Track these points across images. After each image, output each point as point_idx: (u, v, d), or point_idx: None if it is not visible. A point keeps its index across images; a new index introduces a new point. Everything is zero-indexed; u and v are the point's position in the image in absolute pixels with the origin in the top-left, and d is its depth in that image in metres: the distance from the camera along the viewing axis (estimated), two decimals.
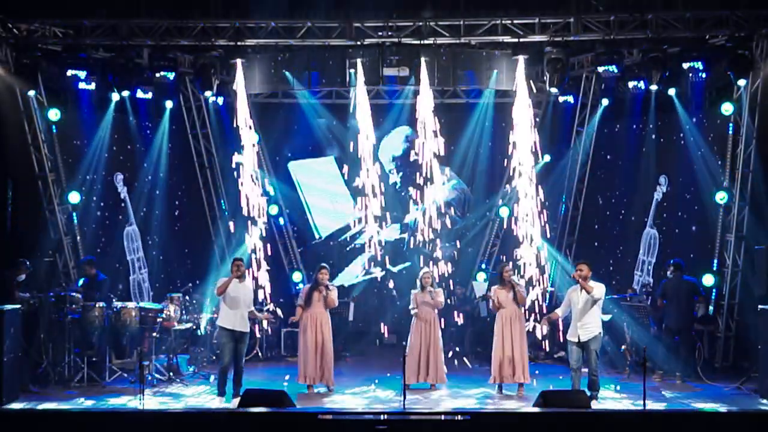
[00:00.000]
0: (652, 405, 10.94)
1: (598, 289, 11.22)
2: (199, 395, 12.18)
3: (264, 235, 14.75)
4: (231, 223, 14.82)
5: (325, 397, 12.02)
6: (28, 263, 12.78)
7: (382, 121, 17.11)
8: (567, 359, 13.08)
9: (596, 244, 16.02)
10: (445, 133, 16.92)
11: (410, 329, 12.66)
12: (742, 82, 13.50)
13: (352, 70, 14.16)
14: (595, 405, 10.72)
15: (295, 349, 15.25)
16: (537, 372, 12.95)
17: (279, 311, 13.59)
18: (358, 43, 13.78)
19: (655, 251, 15.08)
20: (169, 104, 15.73)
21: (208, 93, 14.99)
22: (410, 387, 12.37)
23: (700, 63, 13.53)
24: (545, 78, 14.38)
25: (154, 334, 12.99)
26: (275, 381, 12.80)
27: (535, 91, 16.07)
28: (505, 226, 16.00)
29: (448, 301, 14.65)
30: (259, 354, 15.00)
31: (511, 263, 12.52)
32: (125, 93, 14.65)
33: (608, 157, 16.05)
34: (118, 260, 15.31)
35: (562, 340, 13.34)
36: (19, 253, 13.04)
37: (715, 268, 14.19)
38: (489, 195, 17.16)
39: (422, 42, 13.73)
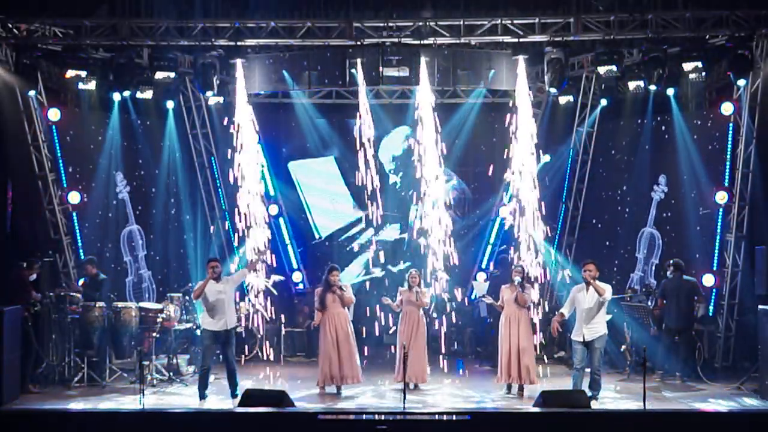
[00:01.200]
0: (652, 405, 10.94)
1: (609, 290, 11.22)
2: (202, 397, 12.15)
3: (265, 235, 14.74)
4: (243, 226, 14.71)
5: (325, 397, 12.01)
6: (39, 262, 12.79)
7: (382, 121, 17.12)
8: (568, 359, 13.11)
9: (596, 244, 16.01)
10: (444, 132, 16.96)
11: (397, 328, 12.67)
12: (742, 82, 13.50)
13: (353, 70, 14.17)
14: (595, 405, 10.72)
15: (296, 350, 15.35)
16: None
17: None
18: (358, 43, 13.77)
19: (657, 252, 15.06)
20: (169, 104, 15.73)
21: (208, 93, 15.00)
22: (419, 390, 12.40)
23: (700, 63, 13.53)
24: (545, 78, 14.39)
25: (154, 334, 12.99)
26: (275, 381, 12.82)
27: (535, 90, 16.12)
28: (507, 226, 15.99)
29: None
30: (259, 354, 15.00)
31: (522, 266, 12.43)
32: (125, 93, 14.65)
33: (608, 157, 16.04)
34: (117, 260, 15.31)
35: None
36: (18, 254, 13.04)
37: (715, 268, 14.19)
38: (489, 195, 17.15)
39: (422, 42, 13.73)
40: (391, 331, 14.50)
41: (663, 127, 15.15)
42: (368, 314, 15.11)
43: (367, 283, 15.34)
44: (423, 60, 13.83)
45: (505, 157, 14.57)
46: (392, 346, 15.36)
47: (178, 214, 16.31)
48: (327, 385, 12.14)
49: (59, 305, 12.55)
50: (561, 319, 11.58)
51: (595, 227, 16.21)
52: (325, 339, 12.11)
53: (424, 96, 15.20)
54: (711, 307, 14.07)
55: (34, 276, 12.63)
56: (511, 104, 14.25)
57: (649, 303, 13.77)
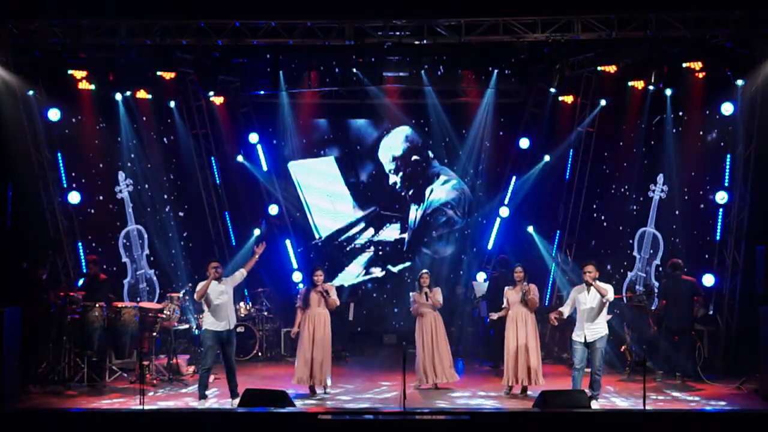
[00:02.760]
0: (652, 405, 10.94)
1: (611, 291, 11.20)
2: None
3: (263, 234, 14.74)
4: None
5: (325, 397, 12.02)
6: (49, 261, 12.80)
7: (383, 121, 17.14)
8: (568, 359, 13.11)
9: (596, 244, 16.02)
10: (445, 132, 16.98)
11: (414, 331, 12.64)
12: (741, 82, 13.50)
13: (354, 70, 14.17)
14: (595, 405, 10.72)
15: (295, 350, 15.31)
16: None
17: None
18: (358, 43, 13.76)
19: (659, 252, 15.05)
20: (169, 104, 15.72)
21: (210, 93, 15.00)
22: (420, 389, 12.40)
23: (700, 63, 13.52)
24: (545, 78, 14.39)
25: (154, 334, 12.99)
26: (275, 381, 12.81)
27: (534, 91, 16.14)
28: None
29: None
30: (259, 354, 15.01)
31: (522, 266, 12.40)
32: (126, 93, 14.65)
33: (608, 156, 16.05)
34: (116, 261, 15.30)
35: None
36: (18, 254, 13.03)
37: (715, 268, 14.19)
38: (489, 195, 17.16)
39: (422, 42, 13.72)
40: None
41: (663, 127, 15.14)
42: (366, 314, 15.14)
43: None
44: (423, 60, 13.82)
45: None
46: (392, 346, 15.42)
47: (177, 214, 16.32)
48: (300, 383, 12.08)
49: (59, 305, 12.56)
50: (559, 315, 11.55)
51: (595, 227, 16.21)
52: (302, 338, 12.06)
53: (425, 96, 15.22)
54: (711, 307, 14.07)
55: (45, 275, 12.65)
56: (512, 105, 14.23)
57: (651, 305, 13.77)
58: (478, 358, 15.00)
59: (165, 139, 15.97)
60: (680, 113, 14.77)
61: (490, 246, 16.96)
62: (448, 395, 12.21)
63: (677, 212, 14.96)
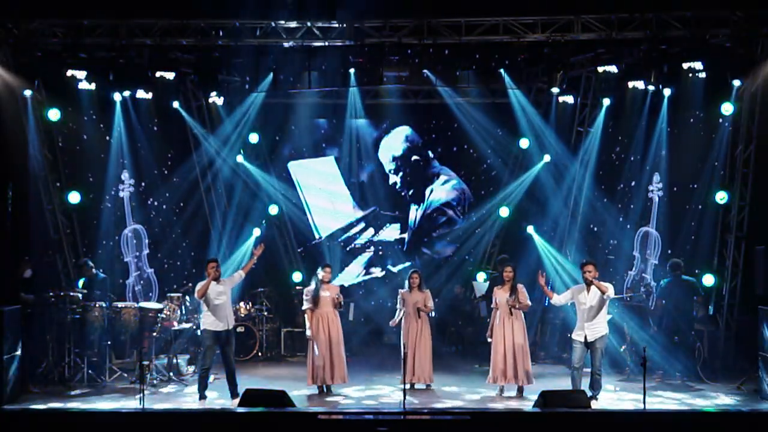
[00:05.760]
0: (652, 405, 10.94)
1: (611, 288, 11.21)
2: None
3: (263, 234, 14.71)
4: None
5: (325, 397, 12.02)
6: (27, 258, 12.76)
7: (383, 121, 17.13)
8: (568, 359, 13.10)
9: (596, 244, 16.01)
10: (445, 132, 16.97)
11: (401, 329, 12.62)
12: (741, 82, 13.49)
13: (352, 70, 14.15)
14: (595, 405, 10.72)
15: (295, 349, 15.33)
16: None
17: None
18: (358, 43, 13.76)
19: (657, 252, 15.05)
20: (169, 104, 15.70)
21: (210, 93, 14.97)
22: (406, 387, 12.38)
23: (700, 63, 13.53)
24: (545, 78, 14.37)
25: (154, 334, 13.00)
26: (275, 381, 12.81)
27: (534, 91, 16.13)
28: None
29: None
30: (259, 354, 15.01)
31: (513, 267, 12.36)
32: (125, 93, 14.65)
33: (608, 156, 16.04)
34: (117, 261, 15.30)
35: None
36: (18, 253, 13.03)
37: (715, 268, 14.19)
38: (489, 194, 17.16)
39: (422, 42, 13.72)
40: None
41: (663, 127, 15.14)
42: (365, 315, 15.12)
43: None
44: (423, 60, 13.82)
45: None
46: (392, 346, 15.39)
47: (177, 214, 16.31)
48: (317, 383, 12.13)
49: (59, 305, 12.55)
50: (549, 294, 11.59)
51: (596, 227, 16.20)
52: (318, 338, 12.09)
53: (425, 96, 15.14)
54: (711, 307, 14.06)
55: (29, 272, 12.61)
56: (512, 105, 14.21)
57: (651, 305, 13.77)
58: (477, 358, 14.97)
59: (165, 139, 15.95)
60: (680, 113, 14.75)
61: (489, 246, 16.96)
62: (449, 395, 12.21)
63: (677, 212, 14.96)
